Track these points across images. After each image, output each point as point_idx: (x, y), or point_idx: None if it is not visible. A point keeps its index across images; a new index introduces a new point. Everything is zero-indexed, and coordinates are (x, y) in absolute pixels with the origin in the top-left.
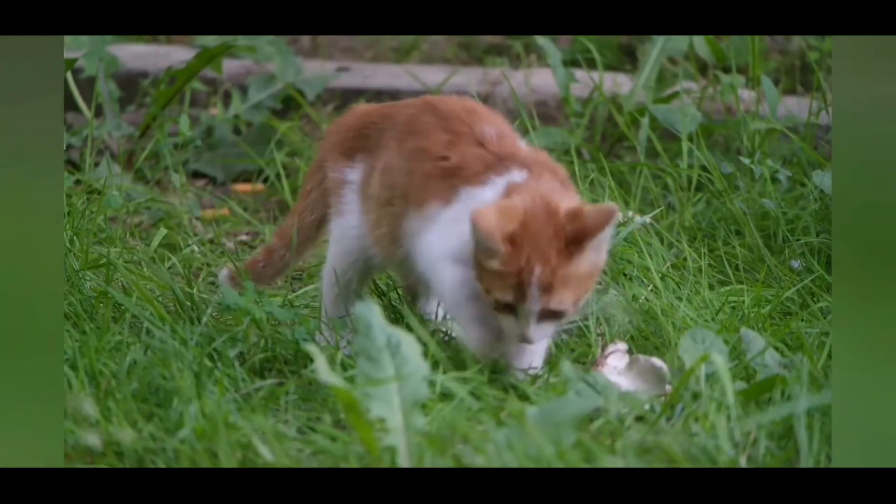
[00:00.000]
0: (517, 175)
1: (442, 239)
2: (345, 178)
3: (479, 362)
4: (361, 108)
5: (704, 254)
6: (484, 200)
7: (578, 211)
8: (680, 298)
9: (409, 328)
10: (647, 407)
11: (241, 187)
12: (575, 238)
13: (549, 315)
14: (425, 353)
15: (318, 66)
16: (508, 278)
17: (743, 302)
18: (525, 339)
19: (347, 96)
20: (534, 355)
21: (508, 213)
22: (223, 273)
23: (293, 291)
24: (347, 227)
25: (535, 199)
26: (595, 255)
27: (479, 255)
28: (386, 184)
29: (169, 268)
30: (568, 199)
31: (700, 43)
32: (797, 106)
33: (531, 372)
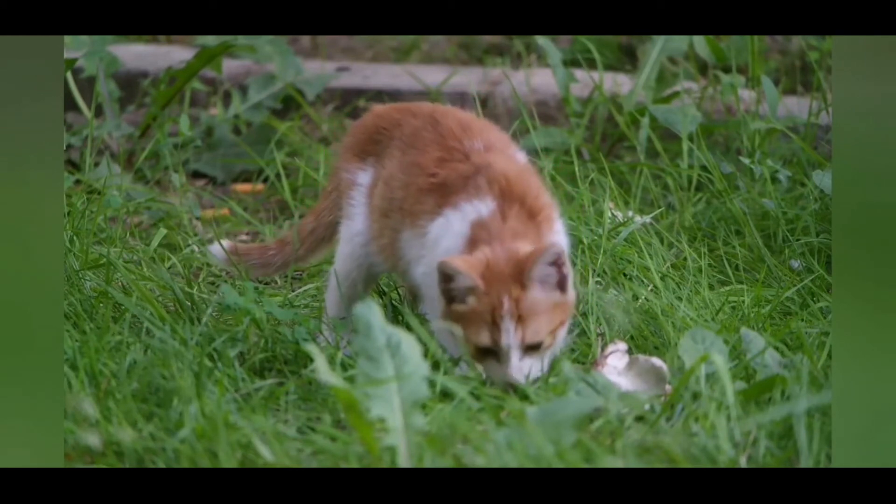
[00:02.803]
0: (485, 207)
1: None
2: (355, 180)
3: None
4: (378, 109)
5: (704, 254)
6: (452, 229)
7: (533, 252)
8: (680, 298)
9: (410, 328)
10: (647, 407)
11: (241, 187)
12: (522, 271)
13: (529, 349)
14: (425, 353)
15: (318, 65)
16: (483, 316)
17: (743, 302)
18: (510, 381)
19: (347, 96)
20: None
21: (472, 262)
22: (219, 247)
23: (293, 291)
24: (354, 231)
25: (496, 247)
26: (550, 290)
27: (456, 302)
28: (386, 195)
29: (169, 268)
30: (525, 244)
31: (700, 43)
32: (797, 106)
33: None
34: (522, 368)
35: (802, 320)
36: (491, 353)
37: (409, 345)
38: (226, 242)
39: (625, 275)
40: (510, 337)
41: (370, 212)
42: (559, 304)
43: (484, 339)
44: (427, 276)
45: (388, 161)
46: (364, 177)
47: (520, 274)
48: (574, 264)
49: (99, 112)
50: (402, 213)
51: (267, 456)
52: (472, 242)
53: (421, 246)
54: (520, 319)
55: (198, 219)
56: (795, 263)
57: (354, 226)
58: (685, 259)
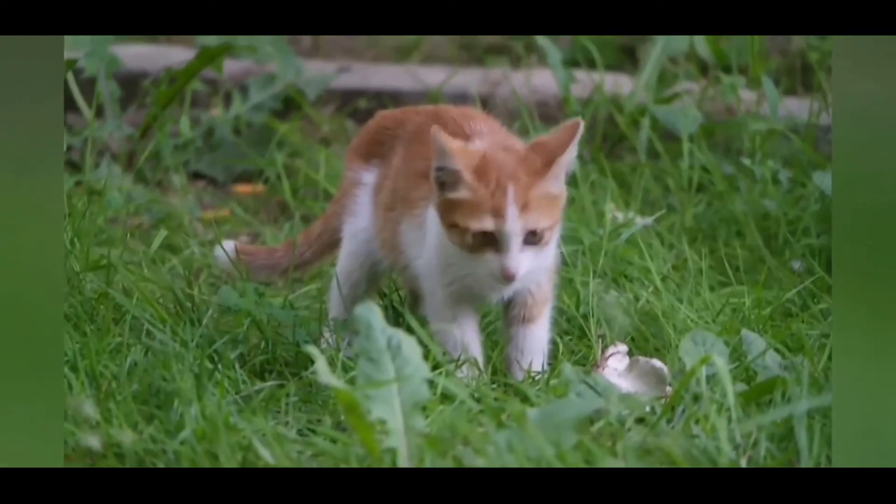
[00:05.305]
0: None
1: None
2: (360, 179)
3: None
4: (383, 113)
5: (705, 255)
6: None
7: (539, 141)
8: (680, 300)
9: (410, 330)
10: (647, 409)
11: (242, 188)
12: (546, 159)
13: (530, 238)
14: (426, 355)
15: (318, 66)
16: (483, 204)
17: (743, 303)
18: (506, 271)
19: (348, 96)
20: (534, 356)
21: (468, 151)
22: (228, 246)
23: (293, 293)
24: (358, 228)
25: (493, 143)
26: (560, 180)
27: (447, 187)
28: (390, 188)
29: (169, 269)
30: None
31: (701, 43)
32: (798, 106)
33: (533, 374)
34: (521, 260)
35: (803, 322)
36: (489, 240)
37: (409, 346)
38: (231, 243)
39: (625, 276)
40: (513, 222)
41: (375, 208)
42: (556, 199)
43: (486, 224)
44: (426, 269)
45: (394, 159)
46: (368, 176)
47: (545, 160)
48: (574, 265)
49: (99, 113)
50: (403, 202)
51: (267, 458)
52: None
53: (420, 237)
54: (525, 206)
55: (198, 220)
56: (796, 265)
57: (358, 223)
58: (686, 260)
